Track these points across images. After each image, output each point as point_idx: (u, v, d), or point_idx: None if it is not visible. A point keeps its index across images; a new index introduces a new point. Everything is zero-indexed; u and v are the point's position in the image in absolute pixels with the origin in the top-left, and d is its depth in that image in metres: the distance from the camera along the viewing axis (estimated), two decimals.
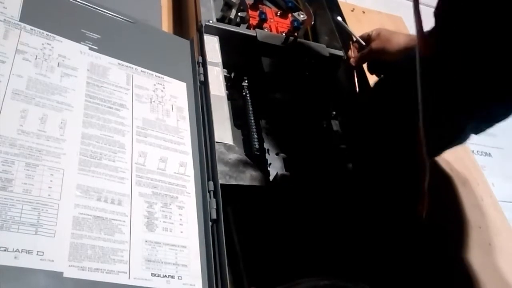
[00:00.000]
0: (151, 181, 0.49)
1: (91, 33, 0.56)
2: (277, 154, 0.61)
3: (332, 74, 0.74)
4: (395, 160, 0.62)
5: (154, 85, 0.58)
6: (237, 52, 0.67)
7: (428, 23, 0.52)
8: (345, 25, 0.77)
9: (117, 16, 0.60)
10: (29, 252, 0.39)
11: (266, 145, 0.61)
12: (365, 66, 0.73)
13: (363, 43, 0.71)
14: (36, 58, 0.50)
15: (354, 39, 0.74)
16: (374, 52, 0.69)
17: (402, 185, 0.60)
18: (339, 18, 0.78)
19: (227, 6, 0.70)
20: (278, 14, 0.78)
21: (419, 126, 0.46)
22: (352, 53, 0.73)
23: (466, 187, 0.80)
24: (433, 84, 0.51)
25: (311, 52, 0.71)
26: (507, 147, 1.06)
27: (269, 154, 0.61)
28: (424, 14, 0.56)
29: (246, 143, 0.62)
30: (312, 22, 0.79)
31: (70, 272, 0.40)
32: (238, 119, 0.64)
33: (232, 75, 0.67)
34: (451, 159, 0.82)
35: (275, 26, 0.75)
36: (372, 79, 0.72)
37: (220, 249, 0.46)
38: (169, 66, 0.61)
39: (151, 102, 0.56)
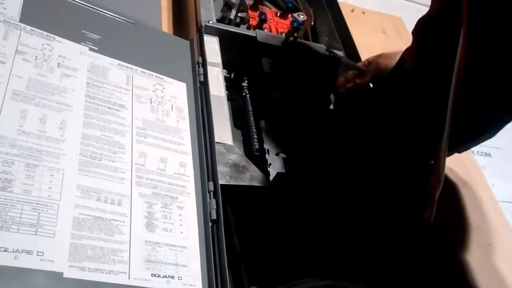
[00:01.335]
0: (151, 182, 0.49)
1: (91, 34, 0.56)
2: (277, 155, 0.61)
3: (332, 74, 0.74)
4: (395, 161, 0.62)
5: (154, 85, 0.58)
6: (237, 52, 0.67)
7: None
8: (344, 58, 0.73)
9: (117, 17, 0.60)
10: (29, 252, 0.39)
11: (266, 146, 0.61)
12: None
13: (363, 68, 0.69)
14: (36, 59, 0.50)
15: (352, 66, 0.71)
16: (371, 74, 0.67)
17: (402, 186, 0.60)
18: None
19: (227, 6, 0.70)
20: (278, 14, 0.78)
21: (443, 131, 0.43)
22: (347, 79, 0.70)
23: (466, 187, 0.80)
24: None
25: (311, 53, 0.71)
26: (506, 148, 1.06)
27: (269, 154, 0.61)
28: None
29: (246, 144, 0.62)
30: (312, 23, 0.79)
31: (70, 273, 0.40)
32: (238, 120, 0.64)
33: (232, 75, 0.68)
34: (451, 159, 0.82)
35: (275, 27, 0.75)
36: None
37: (220, 249, 0.46)
38: (169, 66, 0.61)
39: (151, 103, 0.56)
